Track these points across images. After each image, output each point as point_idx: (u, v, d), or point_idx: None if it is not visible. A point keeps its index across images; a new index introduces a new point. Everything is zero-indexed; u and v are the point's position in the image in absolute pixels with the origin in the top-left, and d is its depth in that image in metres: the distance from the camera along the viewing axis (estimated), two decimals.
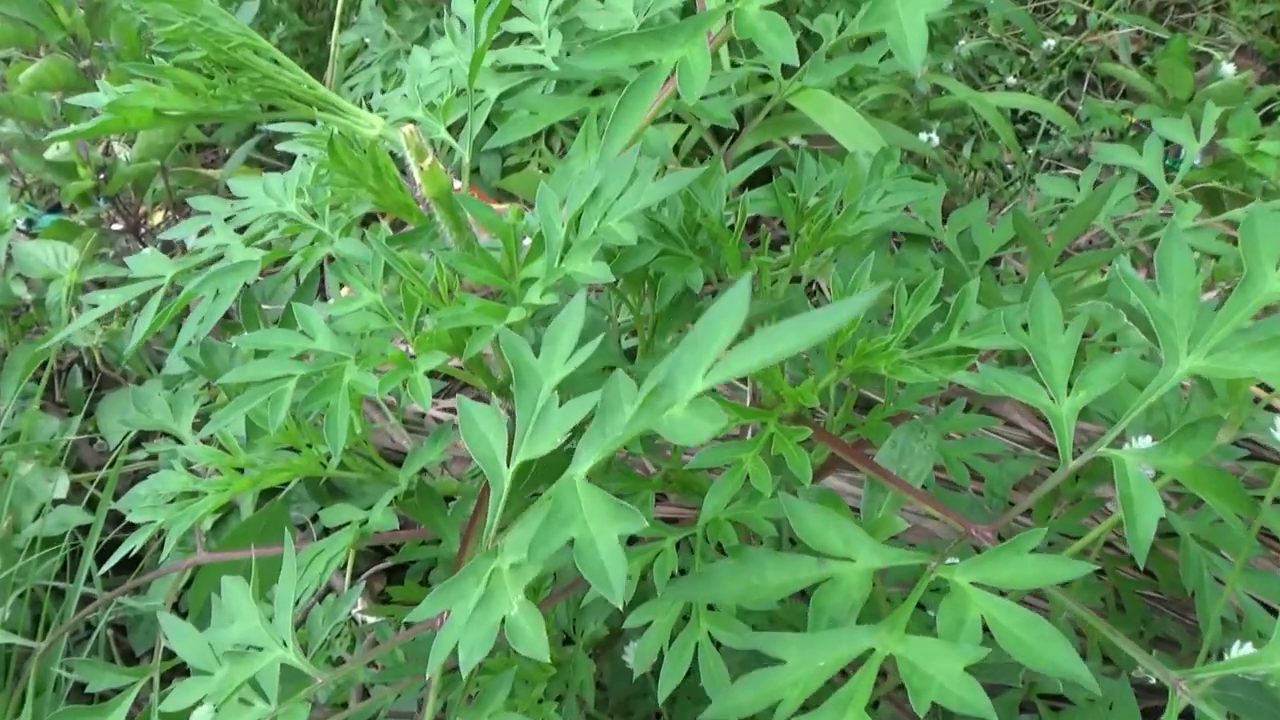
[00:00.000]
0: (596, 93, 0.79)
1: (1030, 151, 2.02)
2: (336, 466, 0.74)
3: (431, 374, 0.65)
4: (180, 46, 0.67)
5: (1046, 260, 0.75)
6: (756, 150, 1.63)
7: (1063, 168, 2.05)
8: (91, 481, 1.36)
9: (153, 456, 1.38)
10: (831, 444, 0.65)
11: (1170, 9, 2.45)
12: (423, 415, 1.42)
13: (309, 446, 0.78)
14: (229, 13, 1.78)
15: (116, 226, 1.88)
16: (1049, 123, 2.01)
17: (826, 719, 0.47)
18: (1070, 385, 0.57)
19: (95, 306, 0.81)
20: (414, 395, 0.63)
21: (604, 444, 0.50)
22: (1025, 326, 0.60)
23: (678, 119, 1.70)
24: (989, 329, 0.64)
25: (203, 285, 0.74)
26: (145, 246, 1.89)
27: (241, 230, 0.80)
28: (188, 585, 1.12)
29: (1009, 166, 2.02)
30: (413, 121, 0.84)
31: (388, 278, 0.70)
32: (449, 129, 0.81)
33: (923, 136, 1.71)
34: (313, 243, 0.76)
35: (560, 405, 0.52)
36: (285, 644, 0.66)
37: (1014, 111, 2.05)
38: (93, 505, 1.32)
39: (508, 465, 0.52)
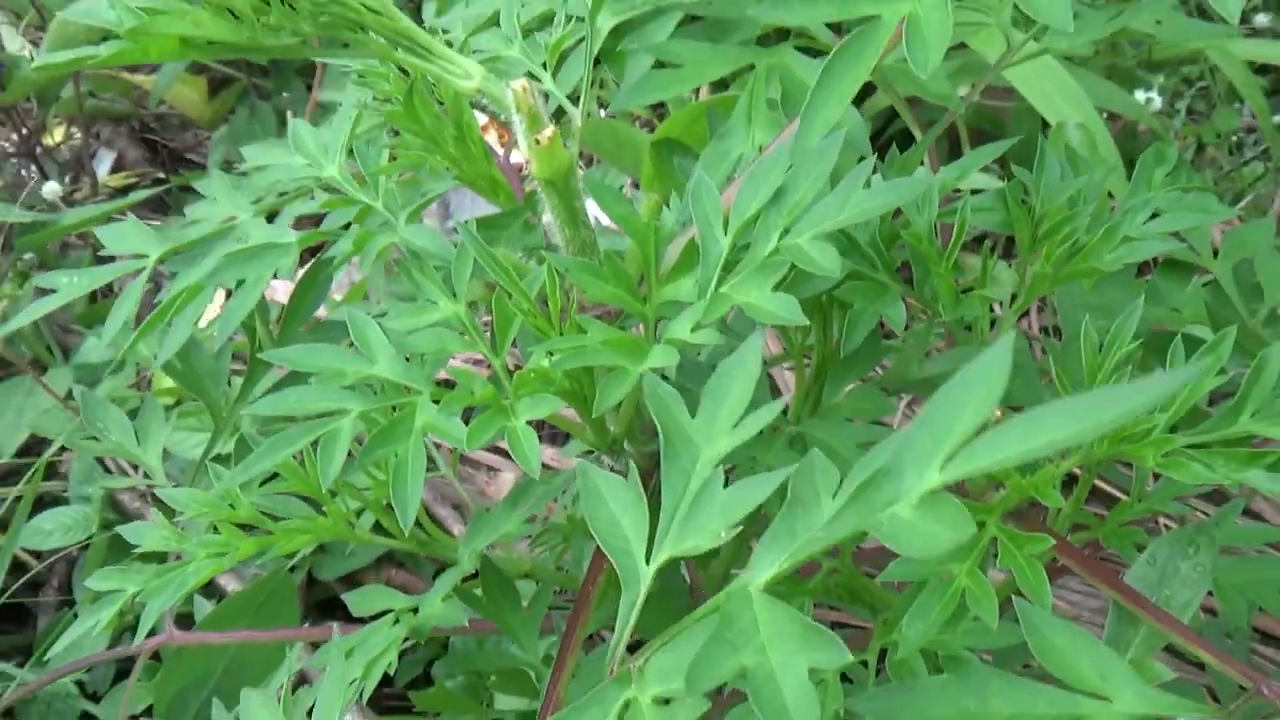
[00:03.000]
0: (754, 41, 0.81)
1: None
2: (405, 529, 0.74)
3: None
4: None
5: None
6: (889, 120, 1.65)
7: None
8: None
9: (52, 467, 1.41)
10: (1071, 558, 0.67)
11: None
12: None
13: (333, 496, 0.80)
14: None
15: (8, 144, 1.90)
16: None
17: None
18: None
19: (50, 293, 0.83)
20: (516, 454, 0.64)
21: (795, 547, 0.51)
22: None
23: None
24: None
25: (216, 274, 0.76)
26: (46, 177, 1.92)
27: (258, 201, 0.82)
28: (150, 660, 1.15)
29: (1250, 134, 2.03)
30: (498, 60, 0.86)
31: (477, 280, 0.73)
32: (552, 71, 0.84)
33: (1139, 94, 1.73)
34: (374, 226, 0.78)
35: (726, 485, 0.53)
36: None
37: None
38: None
39: (648, 561, 0.54)
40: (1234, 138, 2.04)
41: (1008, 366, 0.48)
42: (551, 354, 0.65)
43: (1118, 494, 0.80)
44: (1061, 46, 0.81)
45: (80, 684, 1.26)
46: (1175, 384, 0.44)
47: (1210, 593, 0.76)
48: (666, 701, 0.50)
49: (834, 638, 0.47)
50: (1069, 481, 0.80)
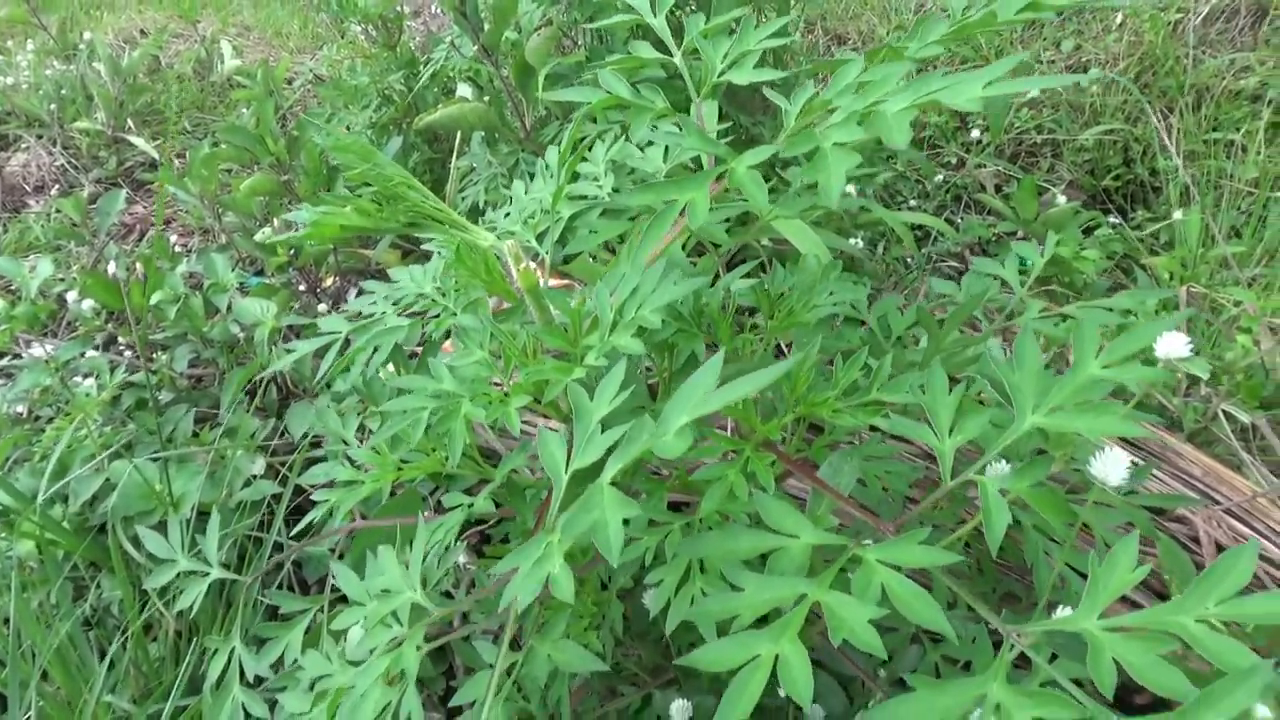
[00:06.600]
0: (637, 217, 0.81)
1: (924, 251, 2.02)
2: (453, 466, 0.74)
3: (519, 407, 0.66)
4: (360, 182, 0.68)
5: (939, 341, 0.76)
6: (739, 249, 1.62)
7: (945, 262, 2.05)
8: (281, 464, 1.37)
9: (317, 445, 1.39)
10: (789, 464, 0.65)
11: (1022, 154, 2.46)
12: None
13: (434, 451, 0.79)
14: (383, 146, 1.78)
15: (301, 287, 1.90)
16: (937, 232, 2.02)
17: (771, 634, 0.47)
18: (952, 430, 0.58)
19: (292, 350, 0.82)
20: (508, 423, 0.64)
21: (624, 459, 0.50)
22: (923, 389, 0.61)
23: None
24: (898, 388, 0.64)
25: (369, 341, 0.75)
26: (320, 302, 1.92)
27: (395, 302, 0.81)
28: (349, 536, 1.13)
29: (909, 260, 2.03)
30: (513, 234, 0.86)
31: (492, 341, 0.72)
32: (536, 238, 0.83)
33: (851, 240, 1.72)
34: (441, 314, 0.77)
35: (602, 432, 0.53)
36: (415, 589, 0.67)
37: (914, 224, 2.06)
38: (278, 478, 1.33)
39: (565, 472, 0.53)
40: (909, 259, 2.03)
41: (717, 370, 0.47)
42: (527, 373, 0.64)
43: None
44: (784, 213, 0.79)
45: (332, 549, 1.24)
46: (775, 374, 0.43)
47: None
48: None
49: (635, 504, 0.46)
50: (800, 425, 0.78)
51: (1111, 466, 0.53)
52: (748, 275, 0.82)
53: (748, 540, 0.54)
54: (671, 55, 0.77)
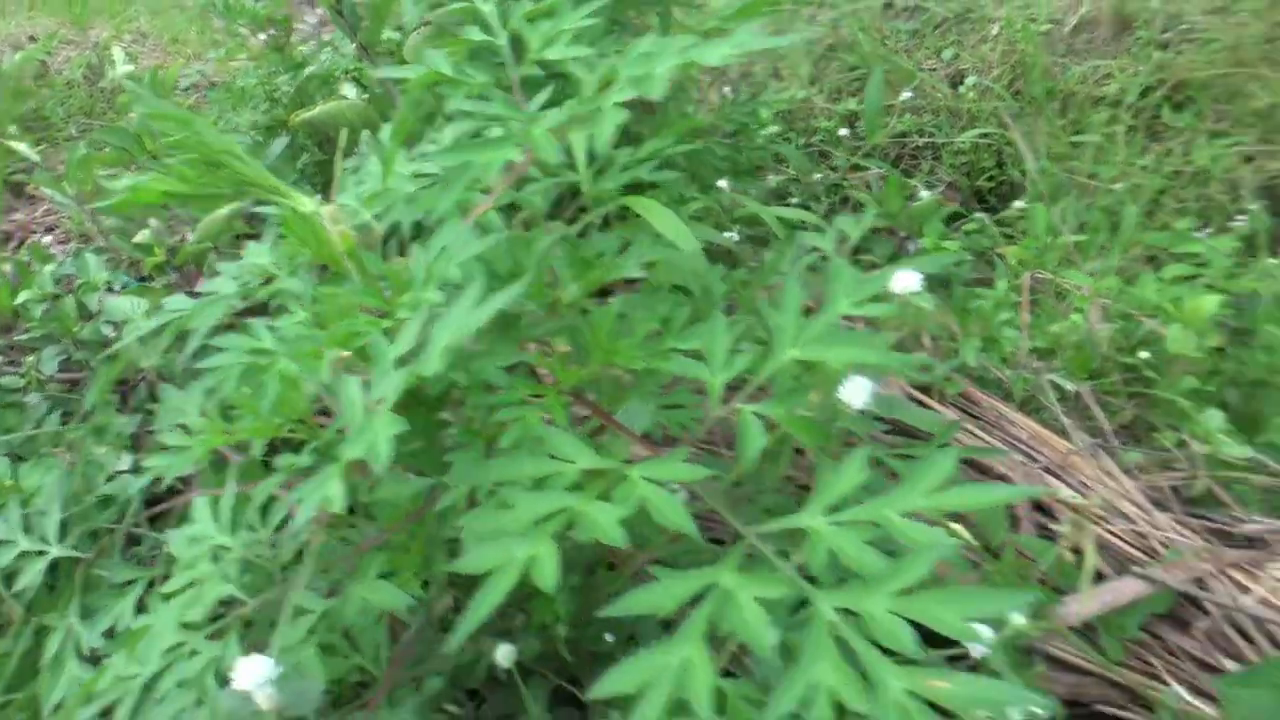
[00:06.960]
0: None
1: (801, 244, 2.12)
2: (286, 430, 0.75)
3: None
4: (182, 150, 0.71)
5: (745, 300, 0.83)
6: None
7: (820, 253, 2.16)
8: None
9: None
10: (591, 409, 0.70)
11: (905, 157, 2.60)
12: None
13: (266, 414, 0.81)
14: (268, 146, 1.76)
15: (185, 291, 1.89)
16: (815, 227, 2.12)
17: (530, 539, 0.51)
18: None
19: (136, 329, 0.84)
20: (319, 375, 0.67)
21: (398, 384, 0.55)
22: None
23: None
24: (690, 336, 0.70)
25: (194, 313, 0.78)
26: None
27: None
28: None
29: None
30: (341, 205, 0.89)
31: (316, 303, 0.75)
32: (375, 216, 0.86)
33: (727, 234, 1.80)
34: (277, 280, 0.80)
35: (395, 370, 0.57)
36: (223, 534, 0.70)
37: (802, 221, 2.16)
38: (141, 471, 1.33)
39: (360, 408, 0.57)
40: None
41: (478, 293, 0.52)
42: (338, 327, 0.67)
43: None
44: (609, 185, 0.85)
45: None
46: (499, 303, 0.48)
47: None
48: None
49: (406, 423, 0.50)
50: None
51: (855, 392, 0.60)
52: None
53: (530, 465, 0.59)
54: (495, 38, 0.82)
